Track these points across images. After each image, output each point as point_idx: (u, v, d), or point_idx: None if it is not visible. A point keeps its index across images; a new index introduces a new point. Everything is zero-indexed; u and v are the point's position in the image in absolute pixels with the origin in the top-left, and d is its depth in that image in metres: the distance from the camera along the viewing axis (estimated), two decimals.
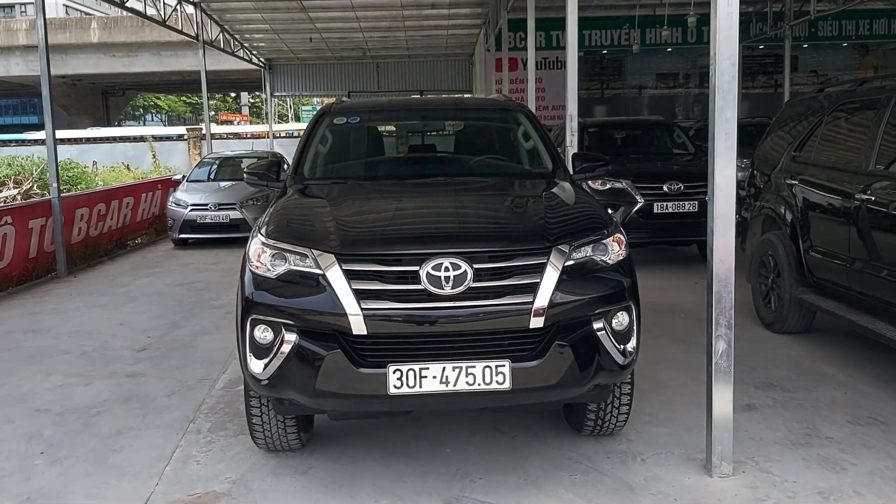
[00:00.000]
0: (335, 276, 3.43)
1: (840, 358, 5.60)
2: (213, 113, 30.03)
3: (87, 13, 59.70)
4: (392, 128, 6.29)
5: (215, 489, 3.82)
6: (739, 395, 4.10)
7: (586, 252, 3.63)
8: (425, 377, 3.37)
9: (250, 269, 3.67)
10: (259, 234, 3.78)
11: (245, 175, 4.93)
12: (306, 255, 3.54)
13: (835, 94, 6.24)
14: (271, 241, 3.68)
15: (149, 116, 68.88)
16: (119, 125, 50.34)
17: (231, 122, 51.95)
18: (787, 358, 5.62)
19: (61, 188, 10.40)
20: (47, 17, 10.38)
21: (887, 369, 5.29)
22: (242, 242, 12.02)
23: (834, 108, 6.05)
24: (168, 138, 32.23)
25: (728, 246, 3.61)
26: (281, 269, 3.59)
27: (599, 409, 4.04)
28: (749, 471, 3.82)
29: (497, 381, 3.38)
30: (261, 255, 3.66)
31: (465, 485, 3.78)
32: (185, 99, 62.45)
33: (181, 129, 35.73)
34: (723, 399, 3.70)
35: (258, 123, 49.61)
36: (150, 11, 15.86)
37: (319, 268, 3.47)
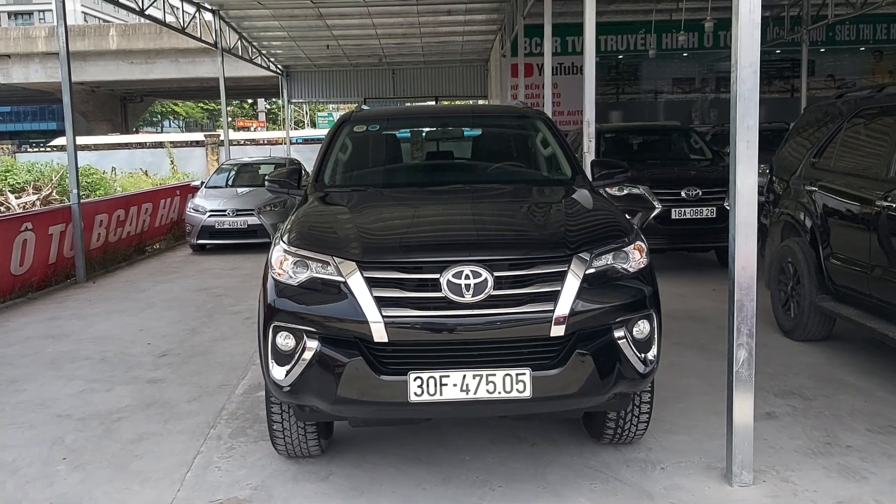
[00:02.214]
0: (357, 283, 3.45)
1: (860, 366, 5.56)
2: (230, 119, 30.20)
3: (105, 20, 60.22)
4: (411, 135, 6.32)
5: (237, 495, 3.84)
6: (759, 403, 4.09)
7: (607, 260, 3.63)
8: (446, 385, 3.38)
9: (272, 277, 3.70)
10: (281, 242, 3.81)
11: (266, 182, 4.98)
12: (328, 263, 3.56)
13: (854, 101, 6.21)
14: (293, 249, 3.70)
15: (166, 122, 69.37)
16: (137, 131, 50.70)
17: (248, 129, 52.27)
18: (807, 366, 5.59)
19: (80, 194, 10.49)
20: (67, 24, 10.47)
21: None
22: (260, 248, 12.11)
23: (853, 114, 6.02)
24: (194, 143, 32.40)
25: (750, 254, 3.60)
26: (303, 276, 3.61)
27: (619, 417, 4.03)
28: (769, 480, 3.81)
29: (517, 390, 3.38)
30: (283, 262, 3.68)
31: (485, 492, 3.79)
32: (202, 105, 62.87)
33: (199, 135, 35.97)
34: (743, 408, 3.69)
35: (274, 129, 49.83)
36: (169, 19, 15.99)
37: (341, 275, 3.49)
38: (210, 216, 12.51)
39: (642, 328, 3.61)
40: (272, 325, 3.59)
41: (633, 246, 3.75)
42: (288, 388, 3.57)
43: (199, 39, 17.89)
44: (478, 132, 5.86)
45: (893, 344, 4.98)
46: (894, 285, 4.96)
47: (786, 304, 6.36)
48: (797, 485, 3.75)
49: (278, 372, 3.57)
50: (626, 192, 8.91)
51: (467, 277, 3.41)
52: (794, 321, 6.18)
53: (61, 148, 26.65)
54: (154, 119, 67.71)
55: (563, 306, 3.43)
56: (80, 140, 18.72)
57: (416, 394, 3.38)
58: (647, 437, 4.26)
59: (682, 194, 8.94)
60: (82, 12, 67.50)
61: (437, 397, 3.38)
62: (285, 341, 3.55)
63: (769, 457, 4.04)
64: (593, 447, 4.24)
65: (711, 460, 4.02)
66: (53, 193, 16.04)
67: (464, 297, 3.40)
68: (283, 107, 29.02)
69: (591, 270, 3.55)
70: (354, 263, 3.50)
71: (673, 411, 4.71)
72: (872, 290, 5.23)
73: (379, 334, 3.39)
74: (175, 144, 31.94)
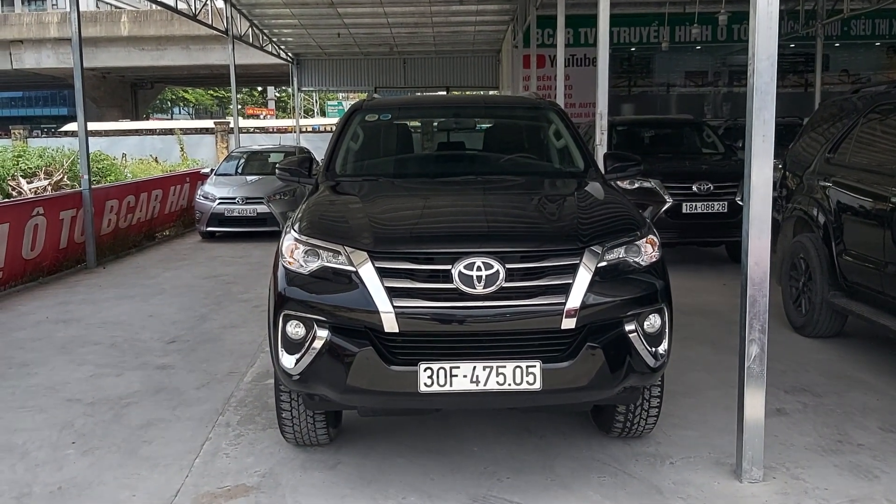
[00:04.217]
0: (368, 273, 3.44)
1: (872, 363, 5.53)
2: (239, 107, 30.23)
3: (116, 7, 60.19)
4: (423, 125, 6.29)
5: (245, 482, 3.85)
6: (769, 400, 4.06)
7: (619, 253, 3.61)
8: (456, 376, 3.38)
9: (283, 265, 3.69)
10: (292, 231, 3.80)
11: (277, 170, 4.96)
12: (339, 252, 3.55)
13: (870, 96, 6.16)
14: (304, 238, 3.70)
15: (176, 109, 69.41)
16: (147, 118, 50.78)
17: (257, 116, 52.25)
18: (818, 362, 5.56)
19: (91, 180, 10.51)
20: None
21: None
22: (269, 236, 12.11)
23: (869, 109, 5.97)
24: (203, 130, 32.42)
25: (763, 249, 3.57)
26: (314, 265, 3.61)
27: (629, 410, 4.02)
28: (780, 476, 3.79)
29: (527, 382, 3.37)
30: (294, 251, 3.68)
31: (493, 483, 3.78)
32: (212, 93, 62.87)
33: (208, 123, 36.02)
34: (754, 404, 3.67)
35: (284, 118, 49.78)
36: (181, 6, 15.95)
37: (352, 265, 3.49)
38: (220, 204, 12.52)
39: (653, 322, 3.59)
40: (282, 314, 3.59)
41: (645, 239, 3.73)
42: (297, 377, 3.57)
43: (210, 26, 17.87)
44: (490, 123, 5.83)
45: None
46: None
47: (797, 300, 6.32)
48: (808, 482, 3.73)
49: (288, 360, 3.57)
50: (637, 185, 8.86)
51: (479, 269, 3.39)
52: (806, 317, 6.15)
53: (72, 133, 26.75)
54: (164, 106, 67.74)
55: (575, 299, 3.41)
56: (91, 126, 18.76)
57: (426, 384, 3.37)
58: (656, 431, 4.25)
59: (694, 188, 8.89)
60: None
61: (447, 388, 3.38)
62: (295, 330, 3.55)
63: (779, 453, 4.03)
64: (602, 440, 4.23)
65: (721, 456, 4.01)
66: (64, 179, 16.12)
67: (475, 288, 3.39)
68: (293, 95, 29.00)
69: (603, 263, 3.54)
70: (366, 253, 3.49)
71: (682, 406, 4.69)
72: (885, 287, 5.19)
73: (390, 324, 3.38)
74: (185, 131, 31.98)
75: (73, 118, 36.02)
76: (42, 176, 16.30)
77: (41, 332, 6.90)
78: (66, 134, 31.76)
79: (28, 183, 15.59)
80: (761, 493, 3.64)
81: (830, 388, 5.02)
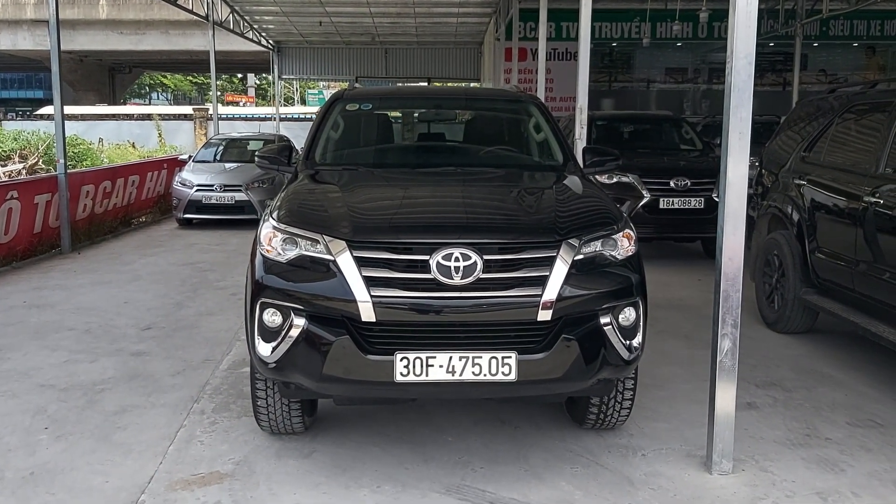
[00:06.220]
0: (346, 262, 3.45)
1: (841, 359, 5.62)
2: (219, 93, 30.01)
3: None
4: (404, 116, 6.30)
5: (219, 470, 3.85)
6: (740, 394, 4.11)
7: (596, 247, 3.65)
8: (432, 366, 3.40)
9: (261, 253, 3.69)
10: (271, 219, 3.80)
11: (256, 158, 4.95)
12: (317, 241, 3.56)
13: (846, 96, 6.24)
14: (283, 226, 3.70)
15: (155, 95, 68.68)
16: (125, 103, 50.21)
17: (237, 103, 51.84)
18: (789, 358, 5.64)
19: (67, 164, 10.40)
20: None
21: (888, 372, 5.32)
22: (247, 224, 12.03)
23: (845, 109, 6.05)
24: (182, 116, 32.08)
25: (737, 245, 3.62)
26: (292, 253, 3.61)
27: (602, 402, 4.06)
28: (748, 469, 3.85)
29: (503, 373, 3.40)
30: (272, 239, 3.68)
31: (467, 473, 3.81)
32: (191, 78, 62.30)
33: (187, 109, 35.67)
34: (726, 397, 3.72)
35: (263, 105, 49.43)
36: None
37: (330, 254, 3.49)
38: (197, 191, 12.43)
39: (628, 315, 3.64)
40: (259, 302, 3.59)
41: (621, 233, 3.77)
42: (274, 365, 3.57)
43: (191, 11, 17.70)
44: (471, 115, 5.85)
45: (875, 338, 5.03)
46: (878, 281, 5.01)
47: (770, 296, 6.40)
48: (776, 475, 3.80)
49: (264, 348, 3.57)
50: (615, 180, 8.92)
51: (457, 260, 3.41)
52: (778, 313, 6.23)
53: (48, 117, 26.43)
54: (142, 91, 67.00)
55: (551, 291, 3.44)
56: (68, 110, 18.54)
57: (402, 374, 3.39)
58: (628, 423, 4.30)
59: (671, 184, 8.96)
60: None
61: (422, 378, 3.40)
62: (272, 318, 3.55)
63: (749, 446, 4.09)
64: (576, 432, 4.27)
65: (692, 448, 4.06)
66: (40, 163, 15.94)
67: (453, 279, 3.41)
68: (273, 83, 28.82)
69: (580, 257, 3.57)
70: (344, 242, 3.50)
71: (655, 399, 4.75)
72: (856, 285, 5.28)
73: (367, 314, 3.39)
74: (163, 117, 31.63)
75: (49, 101, 35.60)
76: (17, 159, 16.12)
77: (14, 317, 6.84)
78: (42, 117, 31.31)
79: (2, 166, 15.41)
80: (730, 484, 3.70)
81: (800, 384, 5.10)
